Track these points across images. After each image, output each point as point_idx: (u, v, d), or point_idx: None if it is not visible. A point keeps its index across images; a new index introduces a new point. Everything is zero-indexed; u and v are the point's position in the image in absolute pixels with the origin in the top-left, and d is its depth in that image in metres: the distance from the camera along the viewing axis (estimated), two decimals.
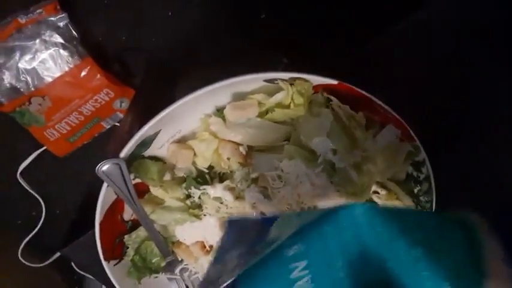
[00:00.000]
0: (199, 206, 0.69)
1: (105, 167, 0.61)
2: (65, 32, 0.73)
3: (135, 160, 0.66)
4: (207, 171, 0.70)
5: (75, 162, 0.82)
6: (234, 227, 0.43)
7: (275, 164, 0.65)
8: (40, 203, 0.82)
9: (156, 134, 0.64)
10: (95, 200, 0.64)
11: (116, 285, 0.68)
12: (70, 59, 0.73)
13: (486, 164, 0.72)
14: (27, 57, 0.72)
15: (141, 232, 0.72)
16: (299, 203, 0.65)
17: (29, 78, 0.73)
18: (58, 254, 0.80)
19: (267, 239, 0.37)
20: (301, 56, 0.76)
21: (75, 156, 0.82)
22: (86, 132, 0.80)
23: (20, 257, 0.79)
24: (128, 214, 0.72)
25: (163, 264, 0.72)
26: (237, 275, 0.35)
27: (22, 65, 0.72)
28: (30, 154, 0.80)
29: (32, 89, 0.73)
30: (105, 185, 0.63)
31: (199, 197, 0.68)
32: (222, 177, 0.70)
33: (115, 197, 0.66)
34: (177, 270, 0.72)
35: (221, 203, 0.67)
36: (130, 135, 0.61)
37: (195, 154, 0.69)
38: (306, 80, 0.61)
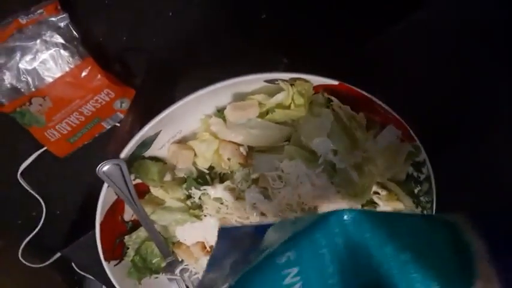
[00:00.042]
0: (199, 207, 0.69)
1: (105, 167, 0.61)
2: (66, 32, 0.73)
3: (135, 160, 0.66)
4: (207, 171, 0.70)
5: (75, 162, 0.82)
6: (227, 236, 0.44)
7: (275, 164, 0.65)
8: (40, 203, 0.82)
9: (156, 135, 0.64)
10: (96, 200, 0.64)
11: (116, 285, 0.68)
12: (71, 59, 0.73)
13: (486, 164, 0.72)
14: (28, 57, 0.72)
15: (142, 232, 0.72)
16: (299, 203, 0.65)
17: (29, 79, 0.73)
18: (58, 255, 0.80)
19: (260, 247, 0.38)
20: (301, 56, 0.76)
21: (76, 157, 0.82)
22: (87, 133, 0.80)
23: (20, 257, 0.80)
24: (129, 214, 0.72)
25: (163, 264, 0.72)
26: (231, 283, 0.35)
27: (23, 65, 0.72)
28: (30, 154, 0.80)
29: (33, 89, 0.73)
30: (105, 185, 0.63)
31: (199, 198, 0.68)
32: (222, 178, 0.70)
33: (115, 197, 0.66)
34: (178, 271, 0.72)
35: (221, 203, 0.67)
36: (131, 136, 0.61)
37: (195, 155, 0.69)
38: (306, 81, 0.61)
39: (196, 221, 0.69)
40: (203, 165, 0.69)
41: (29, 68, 0.72)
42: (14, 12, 0.73)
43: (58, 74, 0.73)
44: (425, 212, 0.64)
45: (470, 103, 0.72)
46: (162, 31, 0.80)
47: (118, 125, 0.81)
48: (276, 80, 0.61)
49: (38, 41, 0.72)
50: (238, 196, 0.67)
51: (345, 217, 0.35)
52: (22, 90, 0.73)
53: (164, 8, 0.80)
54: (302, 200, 0.65)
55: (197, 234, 0.71)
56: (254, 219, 0.67)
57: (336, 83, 0.60)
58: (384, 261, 0.34)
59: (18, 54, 0.72)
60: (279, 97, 0.63)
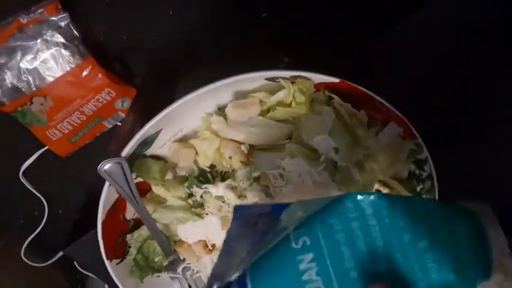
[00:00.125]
0: (201, 205, 0.69)
1: (107, 166, 0.61)
2: (67, 31, 0.73)
3: (136, 159, 0.66)
4: (208, 170, 0.70)
5: (77, 161, 0.82)
6: (242, 215, 0.42)
7: (277, 162, 0.65)
8: (42, 202, 0.82)
9: (157, 133, 0.64)
10: (97, 199, 0.64)
11: (118, 284, 0.68)
12: (71, 58, 0.73)
13: (486, 163, 0.72)
14: (29, 57, 0.72)
15: (143, 231, 0.72)
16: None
17: (30, 78, 0.73)
18: (61, 254, 0.80)
19: (276, 229, 0.37)
20: (301, 56, 0.76)
21: (77, 156, 0.82)
22: (88, 132, 0.80)
23: (22, 257, 0.79)
24: (130, 213, 0.72)
25: (165, 263, 0.72)
26: (246, 267, 0.35)
27: (24, 64, 0.72)
28: (32, 154, 0.80)
29: (34, 88, 0.73)
30: (107, 184, 0.63)
31: (201, 196, 0.68)
32: (223, 176, 0.70)
33: (117, 196, 0.66)
34: (180, 269, 0.72)
35: (223, 201, 0.67)
36: (132, 135, 0.61)
37: (196, 153, 0.69)
38: (307, 78, 0.61)
39: (198, 219, 0.69)
40: (204, 163, 0.69)
41: (30, 67, 0.72)
42: (14, 11, 0.73)
43: (59, 74, 0.73)
44: None
45: (470, 103, 0.72)
46: (163, 30, 0.80)
47: (119, 124, 0.81)
48: (277, 77, 0.61)
49: (39, 40, 0.72)
50: (240, 194, 0.67)
51: (363, 201, 0.34)
52: (23, 89, 0.73)
53: (164, 7, 0.80)
54: (304, 198, 0.65)
55: (199, 233, 0.70)
56: None
57: (337, 80, 0.60)
58: (401, 247, 0.34)
59: (19, 54, 0.72)
60: (280, 95, 0.63)
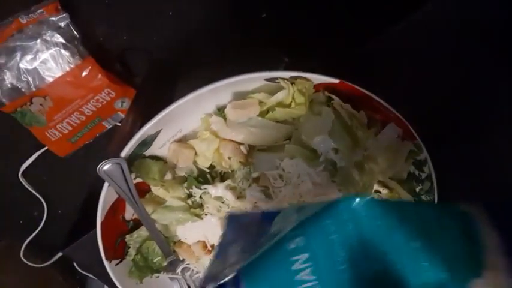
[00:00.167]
0: (200, 206, 0.69)
1: (106, 166, 0.61)
2: (66, 32, 0.73)
3: (136, 160, 0.66)
4: (208, 170, 0.70)
5: (76, 162, 0.82)
6: (234, 223, 0.43)
7: (276, 163, 0.65)
8: (42, 203, 0.82)
9: (157, 134, 0.64)
10: (97, 199, 0.64)
11: (117, 285, 0.68)
12: (71, 59, 0.73)
13: (487, 163, 0.72)
14: (28, 57, 0.72)
15: (143, 232, 0.71)
16: (300, 202, 0.65)
17: (30, 79, 0.73)
18: (60, 254, 0.80)
19: (269, 233, 0.38)
20: (301, 56, 0.76)
21: (77, 157, 0.82)
22: (87, 132, 0.80)
23: (22, 257, 0.80)
24: (129, 214, 0.72)
25: (165, 263, 0.72)
26: (240, 268, 0.35)
27: (23, 65, 0.72)
28: (31, 154, 0.80)
29: (33, 89, 0.73)
30: (106, 184, 0.62)
31: (200, 197, 0.68)
32: (223, 177, 0.70)
33: (116, 196, 0.66)
34: (179, 270, 0.72)
35: (222, 202, 0.67)
36: (132, 135, 0.61)
37: (196, 153, 0.69)
38: (307, 79, 0.61)
39: (197, 220, 0.69)
40: (204, 164, 0.69)
41: (30, 67, 0.72)
42: (14, 12, 0.73)
43: (59, 74, 0.73)
44: None
45: (470, 103, 0.72)
46: (163, 31, 0.81)
47: (119, 124, 0.81)
48: (277, 78, 0.61)
49: (39, 40, 0.72)
50: (239, 195, 0.67)
51: (356, 204, 0.35)
52: (23, 90, 0.73)
53: (164, 7, 0.80)
54: (303, 199, 0.64)
55: (198, 233, 0.70)
56: None
57: (336, 81, 0.60)
58: (394, 248, 0.34)
59: (18, 54, 0.72)
60: (280, 96, 0.63)
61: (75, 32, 0.74)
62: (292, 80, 0.61)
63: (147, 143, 0.64)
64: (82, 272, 0.80)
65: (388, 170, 0.64)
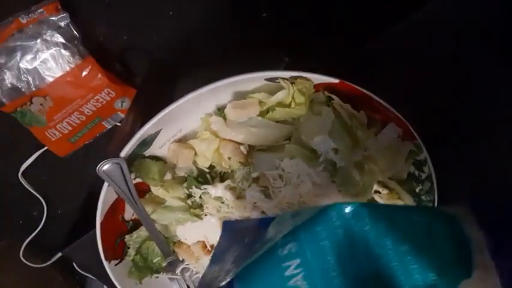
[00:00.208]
0: (200, 206, 0.69)
1: (105, 166, 0.61)
2: (66, 31, 0.73)
3: (135, 160, 0.66)
4: (207, 170, 0.70)
5: (76, 162, 0.82)
6: (230, 229, 0.44)
7: (276, 163, 0.65)
8: (42, 203, 0.82)
9: (156, 134, 0.64)
10: (96, 200, 0.64)
11: (116, 285, 0.68)
12: (71, 58, 0.73)
13: (487, 163, 0.72)
14: (29, 57, 0.72)
15: (142, 232, 0.71)
16: (300, 202, 0.65)
17: (30, 78, 0.73)
18: (60, 254, 0.80)
19: (264, 240, 0.38)
20: (301, 55, 0.76)
21: (77, 156, 0.82)
22: (87, 132, 0.80)
23: (21, 257, 0.80)
24: (129, 214, 0.72)
25: (164, 264, 0.72)
26: (235, 274, 0.35)
27: (23, 64, 0.72)
28: (31, 154, 0.80)
29: (33, 89, 0.73)
30: (105, 184, 0.62)
31: (200, 197, 0.68)
32: (222, 177, 0.69)
33: (116, 196, 0.66)
34: (178, 270, 0.72)
35: (222, 202, 0.67)
36: (132, 135, 0.61)
37: (195, 153, 0.69)
38: (307, 79, 0.61)
39: (197, 220, 0.69)
40: (203, 164, 0.69)
41: (30, 67, 0.72)
42: (14, 11, 0.73)
43: (59, 74, 0.73)
44: None
45: (470, 103, 0.72)
46: (163, 31, 0.81)
47: (119, 124, 0.81)
48: (277, 78, 0.61)
49: (39, 40, 0.72)
50: (239, 195, 0.67)
51: (346, 210, 0.36)
52: (23, 89, 0.73)
53: (164, 7, 0.80)
54: (303, 199, 0.64)
55: (198, 234, 0.70)
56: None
57: (336, 81, 0.60)
58: (383, 252, 0.35)
59: (18, 54, 0.72)
60: (280, 95, 0.63)
61: (75, 32, 0.74)
62: (292, 80, 0.61)
63: (147, 143, 0.64)
64: (82, 272, 0.80)
65: (388, 170, 0.64)
